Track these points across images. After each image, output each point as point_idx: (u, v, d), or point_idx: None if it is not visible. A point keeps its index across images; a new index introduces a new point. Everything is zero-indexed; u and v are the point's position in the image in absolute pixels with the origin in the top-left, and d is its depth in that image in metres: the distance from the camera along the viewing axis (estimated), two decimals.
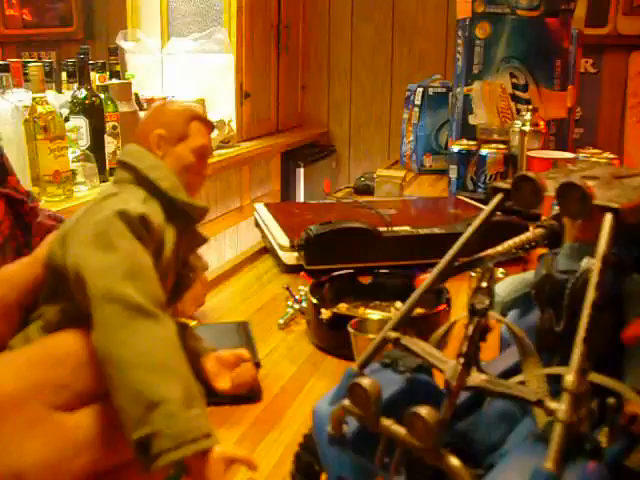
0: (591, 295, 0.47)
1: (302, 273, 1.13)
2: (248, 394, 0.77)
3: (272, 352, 0.91)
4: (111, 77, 2.35)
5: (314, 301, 0.91)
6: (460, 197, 1.69)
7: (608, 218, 0.50)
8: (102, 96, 2.12)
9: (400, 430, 0.45)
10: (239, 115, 3.15)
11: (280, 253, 1.23)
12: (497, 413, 0.55)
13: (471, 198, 1.63)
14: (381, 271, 1.03)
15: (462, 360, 0.47)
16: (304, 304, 1.01)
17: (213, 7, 3.13)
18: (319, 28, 3.73)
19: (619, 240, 0.51)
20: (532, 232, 0.66)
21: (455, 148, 1.93)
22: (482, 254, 0.63)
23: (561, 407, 0.43)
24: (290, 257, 1.21)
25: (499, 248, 0.64)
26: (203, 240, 0.50)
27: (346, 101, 3.75)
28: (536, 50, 2.02)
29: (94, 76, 2.24)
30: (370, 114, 3.68)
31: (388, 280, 1.03)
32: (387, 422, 0.46)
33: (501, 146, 1.85)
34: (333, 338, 0.89)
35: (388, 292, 1.00)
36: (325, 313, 0.88)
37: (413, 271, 1.04)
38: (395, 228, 1.24)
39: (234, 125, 3.08)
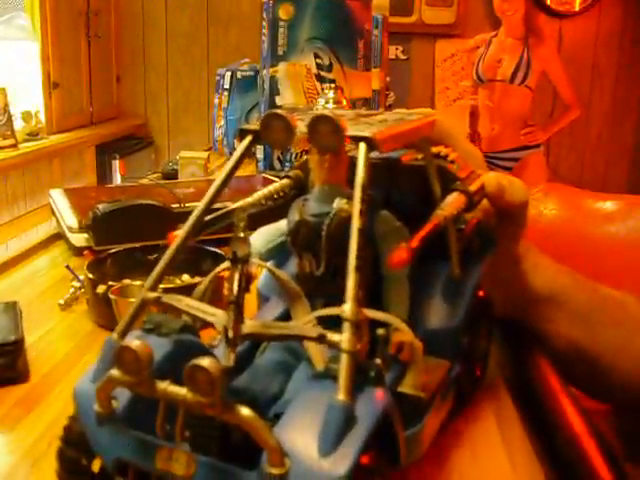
0: (356, 223, 0.47)
1: (86, 252, 1.08)
2: (12, 375, 0.73)
3: (48, 333, 0.86)
4: None
5: (90, 276, 0.87)
6: (265, 175, 1.68)
7: (362, 147, 0.50)
8: None
9: (179, 390, 0.41)
10: (48, 106, 3.01)
11: (69, 235, 1.17)
12: (272, 364, 0.54)
13: (277, 177, 1.63)
14: (165, 244, 1.00)
15: (232, 308, 0.45)
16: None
17: None
18: (132, 16, 3.63)
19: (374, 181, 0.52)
20: (280, 183, 0.66)
21: None
22: (233, 206, 0.63)
23: (344, 337, 0.43)
24: (79, 238, 1.15)
25: (249, 199, 0.64)
26: None
27: (163, 91, 3.68)
28: (339, 31, 2.05)
29: None
30: (188, 104, 3.64)
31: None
32: (163, 385, 0.42)
33: None
34: (112, 313, 0.85)
35: (176, 267, 0.98)
36: (101, 287, 0.84)
37: (199, 245, 1.02)
38: (188, 204, 1.21)
39: (42, 117, 2.94)
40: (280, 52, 2.06)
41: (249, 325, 0.46)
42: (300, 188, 0.65)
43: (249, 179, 1.78)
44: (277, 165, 1.86)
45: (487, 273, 0.64)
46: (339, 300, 0.52)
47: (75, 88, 3.26)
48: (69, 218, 1.19)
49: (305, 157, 0.64)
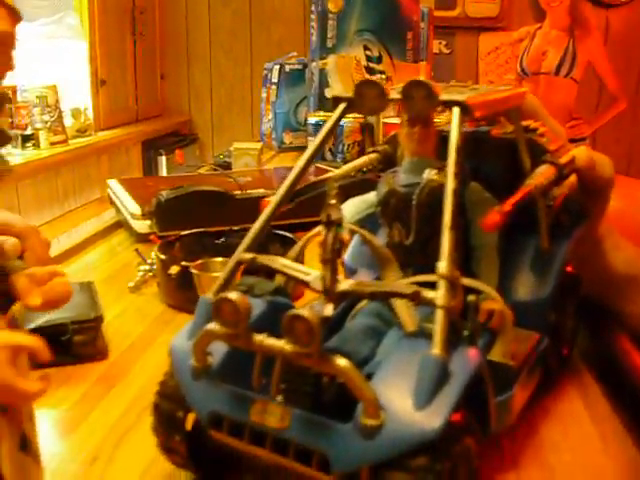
0: (450, 184, 0.47)
1: (152, 236, 1.09)
2: (92, 352, 0.73)
3: (121, 313, 0.87)
4: None
5: (162, 257, 0.87)
6: (319, 165, 1.68)
7: (456, 111, 0.50)
8: None
9: (277, 342, 0.42)
10: (96, 103, 3.05)
11: (132, 222, 1.18)
12: (362, 328, 0.55)
13: (331, 167, 1.63)
14: (233, 229, 1.00)
15: (328, 266, 0.45)
16: (155, 267, 0.97)
17: None
18: (176, 14, 3.66)
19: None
20: (368, 156, 0.67)
21: (312, 120, 1.93)
22: (325, 176, 0.63)
23: (439, 294, 0.43)
24: (142, 225, 1.16)
25: (338, 171, 0.64)
26: (7, 139, 0.45)
27: (207, 88, 3.70)
28: (388, 23, 2.05)
29: None
30: (232, 100, 3.65)
31: (240, 239, 1.00)
32: (259, 337, 0.43)
33: (357, 116, 1.86)
34: (182, 294, 0.86)
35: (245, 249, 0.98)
36: (173, 268, 0.85)
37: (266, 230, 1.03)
38: (249, 191, 1.22)
39: (91, 114, 2.98)
40: (329, 44, 2.06)
41: (345, 283, 0.46)
42: (387, 162, 0.65)
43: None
44: (328, 156, 1.85)
45: (573, 249, 0.63)
46: (428, 270, 0.52)
47: (121, 85, 3.29)
48: (131, 206, 1.20)
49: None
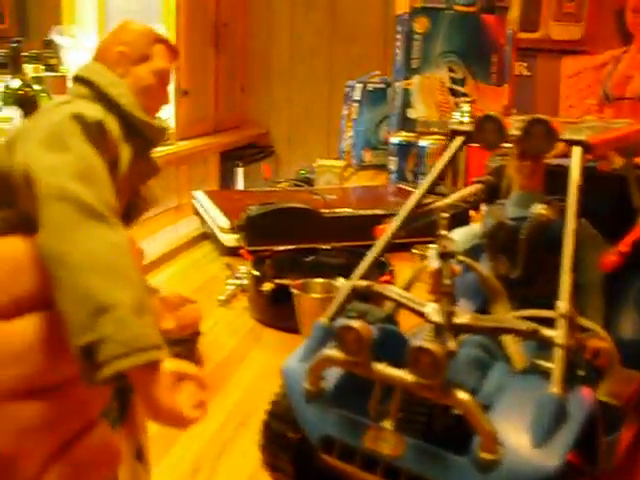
0: (571, 224, 0.47)
1: (242, 251, 1.11)
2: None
3: (212, 327, 0.89)
4: (46, 70, 2.29)
5: (255, 273, 0.89)
6: (401, 186, 1.69)
7: (577, 150, 0.51)
8: (36, 88, 2.06)
9: (398, 372, 0.43)
10: (177, 113, 3.11)
11: (220, 235, 1.21)
12: (469, 359, 0.55)
13: (413, 188, 1.64)
14: (323, 248, 1.02)
15: (445, 299, 0.46)
16: (245, 282, 0.99)
17: (151, 4, 3.09)
18: (258, 28, 3.72)
19: (564, 189, 0.52)
20: (474, 187, 0.67)
21: (394, 140, 1.94)
22: (432, 206, 0.64)
23: (558, 332, 0.43)
24: (230, 239, 1.19)
25: (447, 200, 0.65)
26: (157, 170, 0.46)
27: (285, 102, 3.74)
28: (473, 45, 2.04)
29: (28, 68, 2.19)
30: (309, 115, 3.69)
31: (330, 258, 1.02)
32: (380, 366, 0.44)
33: (440, 137, 1.86)
34: (274, 311, 0.87)
35: (329, 270, 0.99)
36: (266, 285, 0.87)
37: (356, 250, 1.04)
38: (336, 210, 1.23)
39: (172, 123, 3.04)
40: (414, 65, 2.07)
41: (462, 316, 0.47)
42: (491, 193, 0.66)
43: (381, 189, 1.79)
44: (410, 177, 1.86)
45: None
46: (533, 304, 0.52)
47: (202, 96, 3.36)
48: (219, 219, 1.23)
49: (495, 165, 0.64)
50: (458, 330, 0.46)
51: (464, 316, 0.46)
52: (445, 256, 0.47)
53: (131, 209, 0.45)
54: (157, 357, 0.32)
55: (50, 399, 0.32)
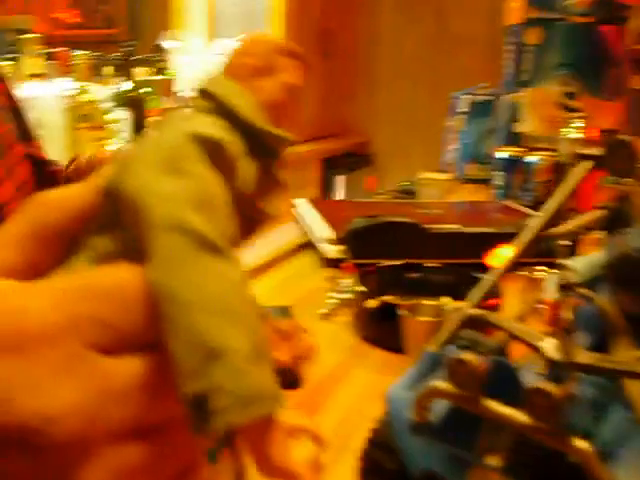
0: None
1: (345, 264, 1.08)
2: (288, 380, 0.73)
3: (314, 341, 0.87)
4: (155, 74, 2.34)
5: (361, 289, 0.87)
6: (508, 203, 1.64)
7: None
8: (145, 90, 2.11)
9: (511, 412, 0.40)
10: None
11: (322, 246, 1.19)
12: (585, 400, 0.52)
13: (522, 205, 1.59)
14: (430, 265, 0.98)
15: (566, 335, 0.43)
16: (347, 295, 0.97)
17: (259, 9, 3.13)
18: (364, 37, 3.71)
19: None
20: (596, 213, 0.63)
21: (501, 155, 1.88)
22: (551, 232, 0.60)
23: None
24: (332, 250, 1.17)
25: (568, 226, 0.61)
26: (282, 185, 0.43)
27: (388, 111, 3.72)
28: (590, 58, 1.96)
29: (138, 71, 2.24)
30: (411, 125, 3.64)
31: (436, 276, 0.98)
32: (492, 403, 0.41)
33: (549, 154, 1.79)
34: (379, 329, 0.85)
35: (435, 288, 0.96)
36: (372, 302, 0.84)
37: (463, 268, 1.00)
38: (442, 225, 1.19)
39: None
40: (524, 78, 2.01)
41: (582, 355, 0.43)
42: (614, 220, 0.61)
43: (486, 205, 1.75)
44: (516, 193, 1.80)
45: None
46: None
47: (305, 103, 3.37)
48: (322, 229, 1.21)
49: (609, 185, 0.60)
50: (577, 369, 0.43)
51: (585, 355, 0.43)
52: (566, 288, 0.44)
53: (249, 224, 0.41)
54: (272, 410, 0.30)
55: (152, 441, 0.30)
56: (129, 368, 0.30)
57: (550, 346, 0.45)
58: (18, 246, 0.33)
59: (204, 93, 0.40)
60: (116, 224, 0.34)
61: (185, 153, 0.34)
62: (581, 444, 0.39)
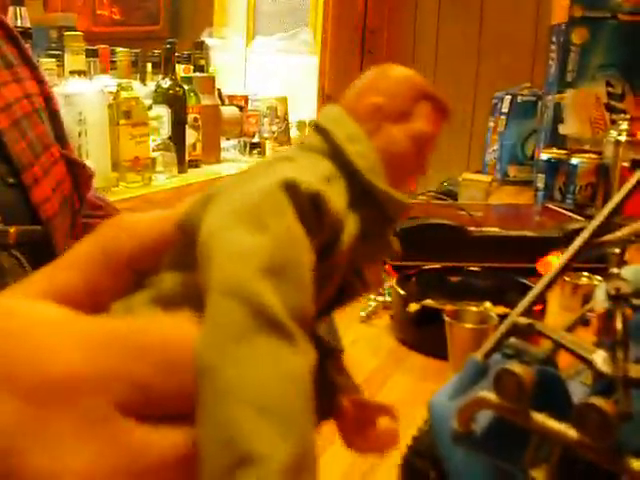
0: None
1: (385, 266, 1.07)
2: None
3: (353, 344, 0.86)
4: (195, 70, 2.34)
5: (402, 293, 0.85)
6: (550, 205, 1.61)
7: None
8: (185, 87, 2.11)
9: (561, 427, 0.39)
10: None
11: None
12: (635, 415, 0.50)
13: (562, 208, 1.56)
14: (471, 269, 0.97)
15: (620, 348, 0.41)
16: (387, 298, 0.96)
17: (300, 8, 3.12)
18: (404, 34, 3.68)
19: None
20: None
21: (544, 156, 1.85)
22: (603, 239, 0.58)
23: None
24: None
25: (618, 234, 0.59)
26: (390, 250, 0.35)
27: None
28: (636, 57, 1.92)
29: (179, 68, 2.24)
30: (451, 125, 3.59)
31: (477, 280, 0.97)
32: (540, 417, 0.40)
33: (593, 156, 1.76)
34: (419, 333, 0.83)
35: (477, 293, 0.94)
36: (413, 306, 0.83)
37: (505, 273, 0.99)
38: (484, 228, 1.18)
39: None
40: (569, 78, 1.97)
41: (635, 369, 0.42)
42: None
43: (528, 207, 1.72)
44: (558, 196, 1.77)
45: None
46: None
47: None
48: None
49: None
50: (629, 384, 0.41)
51: (638, 369, 0.41)
52: (618, 298, 0.42)
53: (344, 291, 0.35)
54: None
55: None
56: (163, 441, 0.26)
57: (601, 359, 0.44)
58: (83, 268, 0.30)
59: (318, 128, 0.34)
60: (188, 265, 0.30)
61: (273, 204, 0.29)
62: (635, 464, 0.37)
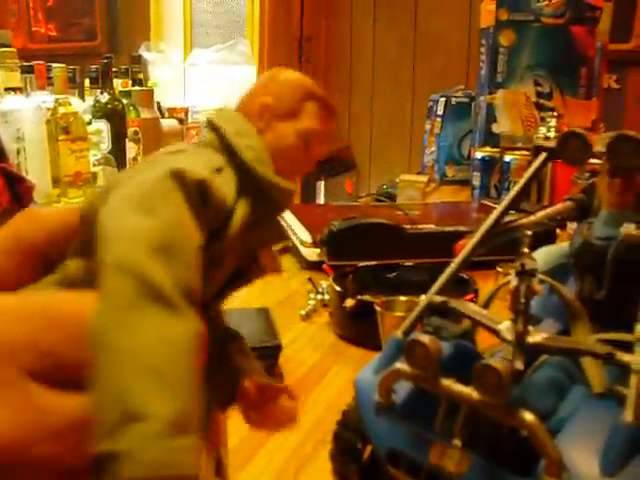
0: None
1: (324, 266, 1.11)
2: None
3: (293, 341, 0.89)
4: (134, 85, 2.35)
5: (338, 289, 0.89)
6: (485, 202, 1.66)
7: None
8: (124, 102, 2.11)
9: (464, 389, 0.43)
10: None
11: (301, 249, 1.21)
12: (545, 382, 0.54)
13: (496, 204, 1.61)
14: (406, 264, 1.01)
15: (520, 317, 0.45)
16: (326, 296, 0.99)
17: (236, 19, 3.15)
18: (341, 42, 3.73)
19: None
20: (563, 204, 0.65)
21: (479, 155, 1.91)
22: (517, 223, 0.62)
23: (636, 358, 0.42)
24: (311, 253, 1.19)
25: (532, 218, 0.63)
26: (281, 236, 0.38)
27: (367, 116, 3.74)
28: (561, 58, 2.00)
29: (117, 83, 2.24)
30: (391, 129, 3.67)
31: (413, 275, 1.01)
32: (447, 382, 0.44)
33: (525, 153, 1.82)
34: (356, 327, 0.87)
35: (411, 287, 0.98)
36: (349, 301, 0.86)
37: (438, 267, 1.02)
38: (419, 226, 1.22)
39: None
40: (499, 79, 2.03)
41: (536, 335, 0.46)
42: (582, 212, 0.63)
43: (464, 205, 1.77)
44: (493, 193, 1.83)
45: None
46: (617, 327, 0.50)
47: None
48: (302, 233, 1.23)
49: (581, 181, 0.62)
50: (532, 350, 0.45)
51: (537, 335, 0.45)
52: (523, 274, 0.46)
53: (243, 273, 0.38)
54: None
55: None
56: (71, 401, 0.28)
57: (505, 328, 0.48)
58: None
59: (210, 125, 0.37)
60: (89, 251, 0.32)
61: (162, 191, 0.31)
62: (528, 417, 0.40)
